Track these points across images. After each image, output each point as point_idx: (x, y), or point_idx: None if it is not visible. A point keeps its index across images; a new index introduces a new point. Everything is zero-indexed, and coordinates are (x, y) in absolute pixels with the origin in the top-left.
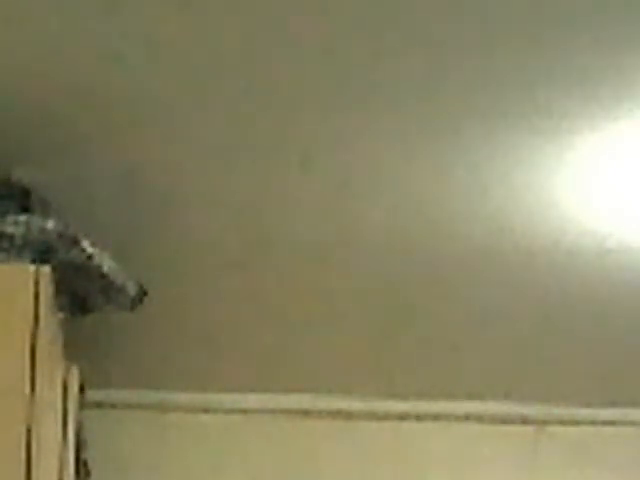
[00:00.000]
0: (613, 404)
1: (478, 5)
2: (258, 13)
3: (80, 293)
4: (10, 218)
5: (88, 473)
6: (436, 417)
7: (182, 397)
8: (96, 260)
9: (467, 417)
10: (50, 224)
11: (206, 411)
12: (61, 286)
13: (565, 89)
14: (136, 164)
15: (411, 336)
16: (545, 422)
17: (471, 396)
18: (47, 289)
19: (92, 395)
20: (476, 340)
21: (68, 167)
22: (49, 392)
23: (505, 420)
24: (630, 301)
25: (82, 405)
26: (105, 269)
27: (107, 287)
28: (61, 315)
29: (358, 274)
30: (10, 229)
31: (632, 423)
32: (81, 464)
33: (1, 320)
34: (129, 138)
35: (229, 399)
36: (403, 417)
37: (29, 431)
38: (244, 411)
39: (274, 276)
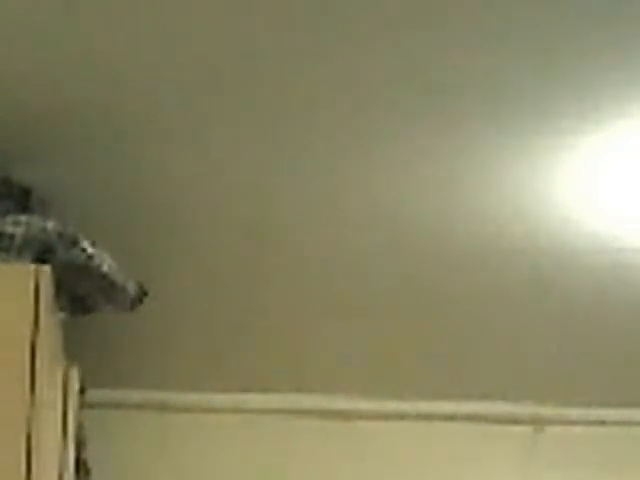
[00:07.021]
0: (613, 404)
1: (479, 4)
2: (259, 22)
3: (80, 293)
4: (10, 218)
5: (88, 473)
6: (436, 417)
7: (182, 397)
8: (96, 260)
9: (467, 417)
10: (50, 224)
11: (206, 411)
12: (61, 286)
13: (565, 89)
14: (136, 164)
15: (411, 336)
16: (544, 422)
17: (471, 396)
18: (47, 289)
19: (92, 395)
20: (476, 340)
21: (68, 167)
22: (49, 392)
23: (504, 420)
24: (630, 301)
25: (82, 405)
26: (105, 269)
27: (107, 287)
28: (61, 315)
29: (357, 276)
30: (10, 229)
31: (632, 423)
32: (81, 464)
33: (1, 320)
34: (129, 138)
35: (229, 399)
36: (403, 417)
37: (29, 431)
38: (244, 411)
39: (275, 277)
